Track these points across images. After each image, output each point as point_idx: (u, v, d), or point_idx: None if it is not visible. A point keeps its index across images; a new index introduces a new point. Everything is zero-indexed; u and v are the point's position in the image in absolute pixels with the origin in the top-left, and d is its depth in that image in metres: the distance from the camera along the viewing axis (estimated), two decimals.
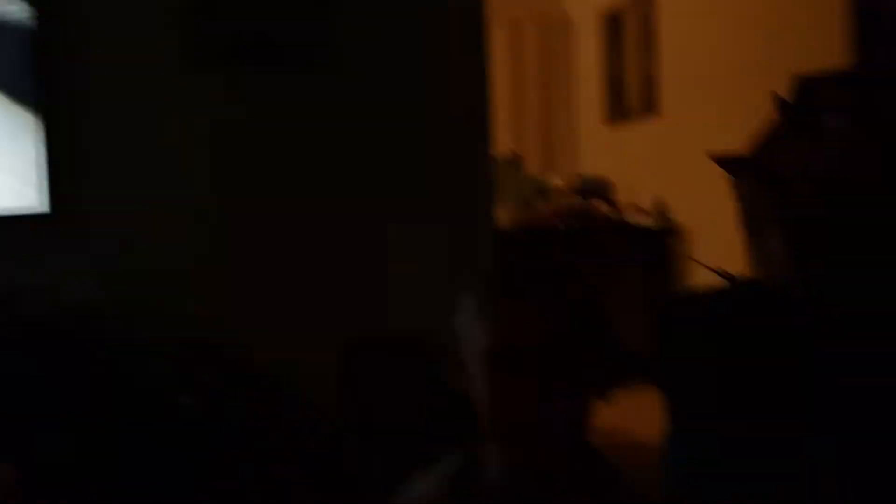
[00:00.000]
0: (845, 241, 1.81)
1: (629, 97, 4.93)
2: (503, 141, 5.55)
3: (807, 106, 1.94)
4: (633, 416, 3.91)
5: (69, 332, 1.98)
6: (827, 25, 3.37)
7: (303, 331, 2.48)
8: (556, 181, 5.21)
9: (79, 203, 2.44)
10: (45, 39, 2.37)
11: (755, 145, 2.09)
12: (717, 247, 3.72)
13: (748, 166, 2.00)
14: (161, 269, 2.40)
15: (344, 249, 2.65)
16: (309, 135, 2.66)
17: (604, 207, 4.32)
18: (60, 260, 2.37)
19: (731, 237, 3.48)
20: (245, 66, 2.55)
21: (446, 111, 2.81)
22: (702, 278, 2.34)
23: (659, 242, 4.40)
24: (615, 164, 5.29)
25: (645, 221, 4.41)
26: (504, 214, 4.20)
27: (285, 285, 2.59)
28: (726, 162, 2.27)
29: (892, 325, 1.67)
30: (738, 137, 2.84)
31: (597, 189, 4.80)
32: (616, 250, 4.28)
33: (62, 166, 2.41)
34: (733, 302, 1.83)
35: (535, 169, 5.95)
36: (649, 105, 4.63)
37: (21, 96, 2.36)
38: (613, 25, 5.20)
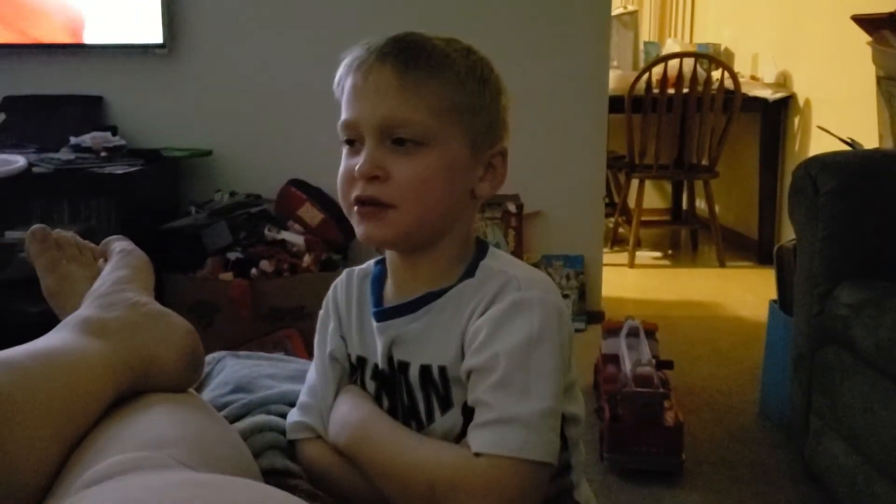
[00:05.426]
0: None
1: None
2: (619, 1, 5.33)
3: None
4: (738, 289, 3.86)
5: None
6: None
7: None
8: (673, 47, 4.99)
9: None
10: None
11: None
12: (840, 116, 3.53)
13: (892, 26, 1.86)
14: None
15: None
16: None
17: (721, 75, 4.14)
18: None
19: (855, 106, 3.30)
20: None
21: None
22: (824, 148, 2.24)
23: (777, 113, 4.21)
24: (735, 31, 5.03)
25: (764, 91, 4.22)
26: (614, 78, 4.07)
27: None
28: (867, 22, 2.12)
29: None
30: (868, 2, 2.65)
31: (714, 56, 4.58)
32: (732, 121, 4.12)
33: None
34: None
35: (650, 33, 5.73)
36: None
37: None
38: None
